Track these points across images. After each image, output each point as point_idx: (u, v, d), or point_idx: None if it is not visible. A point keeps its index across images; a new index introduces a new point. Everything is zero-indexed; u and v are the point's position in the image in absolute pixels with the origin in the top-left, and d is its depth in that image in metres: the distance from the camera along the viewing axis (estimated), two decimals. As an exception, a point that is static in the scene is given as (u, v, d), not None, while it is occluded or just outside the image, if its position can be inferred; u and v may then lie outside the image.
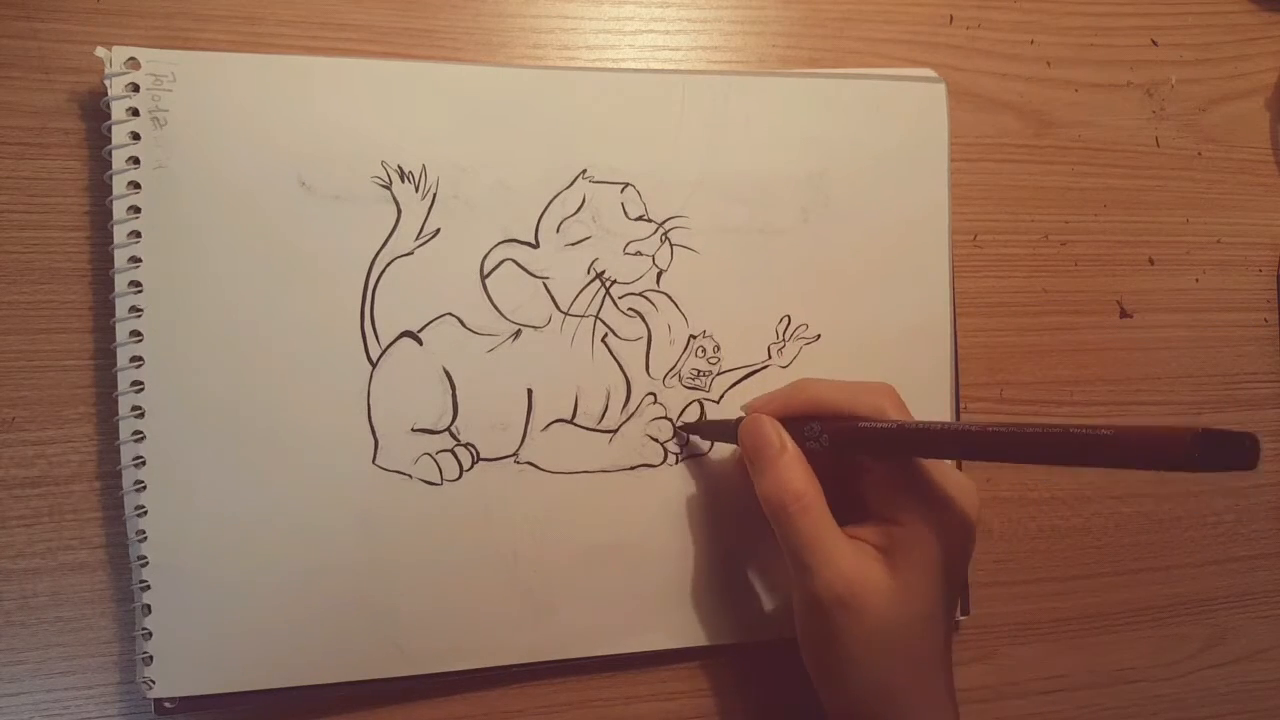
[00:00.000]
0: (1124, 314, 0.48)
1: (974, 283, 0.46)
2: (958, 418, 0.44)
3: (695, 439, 0.41)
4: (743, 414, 0.39)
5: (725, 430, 0.39)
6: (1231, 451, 0.23)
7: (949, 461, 0.37)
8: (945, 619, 0.36)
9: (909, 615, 0.35)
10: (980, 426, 0.30)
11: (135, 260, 0.36)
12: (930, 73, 0.45)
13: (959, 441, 0.31)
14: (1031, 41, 0.47)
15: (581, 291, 0.40)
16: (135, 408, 0.36)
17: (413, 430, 0.39)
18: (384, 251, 0.38)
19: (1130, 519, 0.48)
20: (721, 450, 0.42)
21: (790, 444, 0.36)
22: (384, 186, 0.38)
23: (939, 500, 0.35)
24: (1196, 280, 0.49)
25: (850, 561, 0.35)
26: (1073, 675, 0.47)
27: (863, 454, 0.36)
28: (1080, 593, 0.47)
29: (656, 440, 0.41)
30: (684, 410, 0.41)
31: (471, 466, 0.39)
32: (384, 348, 0.38)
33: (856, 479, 0.37)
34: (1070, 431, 0.27)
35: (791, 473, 0.35)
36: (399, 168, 0.39)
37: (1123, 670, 0.47)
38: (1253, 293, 0.50)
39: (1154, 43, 0.49)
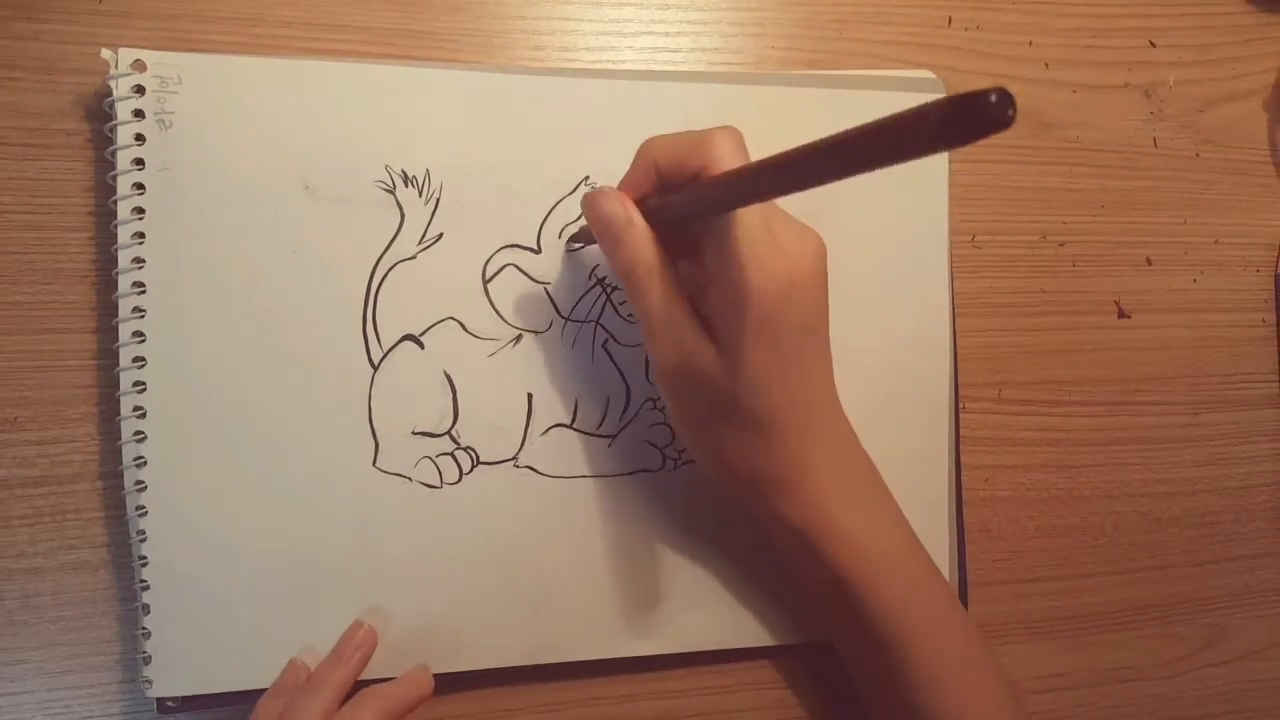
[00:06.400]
0: (1122, 314, 0.48)
1: (973, 283, 0.46)
2: (957, 418, 0.44)
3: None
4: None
5: None
6: (980, 114, 0.21)
7: (788, 213, 0.35)
8: (780, 385, 0.35)
9: (734, 383, 0.34)
10: (754, 165, 0.30)
11: (139, 261, 0.36)
12: (929, 74, 0.45)
13: (735, 186, 0.31)
14: (1030, 43, 0.47)
15: (583, 297, 0.40)
16: (137, 408, 0.36)
17: (413, 433, 0.39)
18: (387, 255, 0.38)
19: (1129, 519, 0.48)
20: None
21: (637, 217, 0.35)
22: (387, 190, 0.39)
23: (740, 257, 0.33)
24: (1194, 281, 0.49)
25: (684, 333, 0.34)
26: (1071, 674, 0.47)
27: (679, 224, 0.35)
28: (1079, 592, 0.47)
29: (655, 446, 0.41)
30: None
31: (471, 470, 0.39)
32: (385, 351, 0.38)
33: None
34: (822, 142, 0.25)
35: (632, 246, 0.34)
36: (403, 172, 0.39)
37: (1121, 670, 0.47)
38: (1250, 293, 0.50)
39: (1152, 44, 0.49)
